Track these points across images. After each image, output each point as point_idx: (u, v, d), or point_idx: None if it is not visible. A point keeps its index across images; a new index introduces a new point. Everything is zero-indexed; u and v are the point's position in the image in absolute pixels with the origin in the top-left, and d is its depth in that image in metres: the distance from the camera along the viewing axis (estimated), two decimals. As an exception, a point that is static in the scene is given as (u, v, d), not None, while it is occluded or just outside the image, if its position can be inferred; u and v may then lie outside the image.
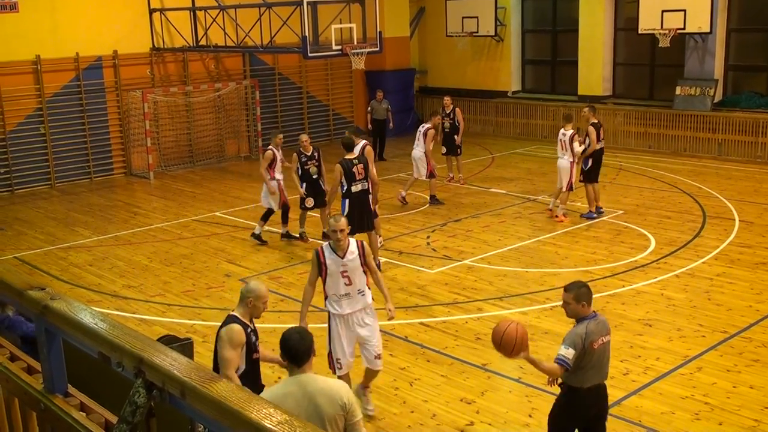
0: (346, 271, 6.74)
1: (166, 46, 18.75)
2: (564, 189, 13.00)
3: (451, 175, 16.27)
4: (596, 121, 13.05)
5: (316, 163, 12.08)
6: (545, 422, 6.84)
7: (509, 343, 5.27)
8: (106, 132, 18.23)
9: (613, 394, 7.27)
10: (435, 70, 23.94)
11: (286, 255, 12.02)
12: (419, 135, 14.47)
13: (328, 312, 6.96)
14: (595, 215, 13.12)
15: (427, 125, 14.53)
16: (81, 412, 2.42)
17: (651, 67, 19.82)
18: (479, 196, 15.15)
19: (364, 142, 11.73)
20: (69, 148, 17.75)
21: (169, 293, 10.53)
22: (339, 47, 15.54)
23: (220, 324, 5.70)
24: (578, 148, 12.90)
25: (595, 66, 20.18)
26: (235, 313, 5.65)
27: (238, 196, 15.97)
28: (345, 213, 10.79)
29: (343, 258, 6.73)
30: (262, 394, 4.55)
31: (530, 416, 7.02)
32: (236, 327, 5.50)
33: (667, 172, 16.44)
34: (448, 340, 8.69)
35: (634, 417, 6.93)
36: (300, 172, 12.01)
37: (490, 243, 12.11)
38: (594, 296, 9.58)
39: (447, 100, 16.15)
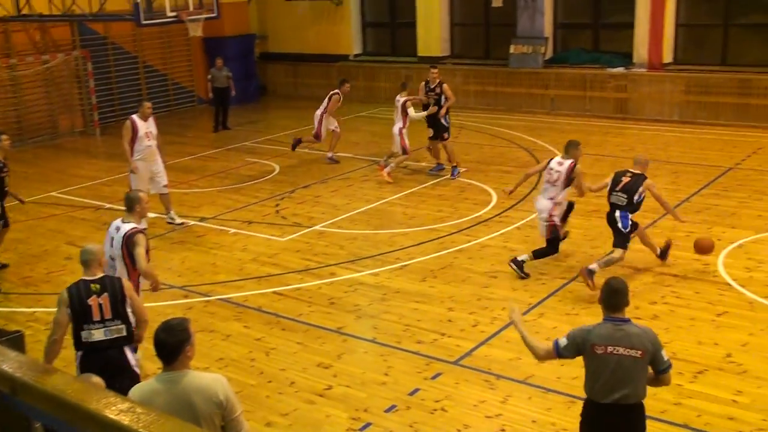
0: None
1: (-17, 17, 17.46)
2: (400, 153, 13.39)
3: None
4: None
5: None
6: (401, 379, 7.07)
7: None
8: None
9: (463, 345, 7.61)
10: (275, 35, 23.60)
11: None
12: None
13: None
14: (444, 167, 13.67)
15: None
16: None
17: (486, 26, 20.42)
18: (326, 161, 15.17)
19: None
20: None
21: (5, 281, 9.96)
22: (174, 14, 15.01)
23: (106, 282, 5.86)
24: (413, 114, 13.21)
25: (432, 27, 20.55)
26: (103, 274, 5.87)
27: (76, 174, 15.23)
28: None
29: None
30: (129, 393, 4.27)
31: (386, 374, 7.20)
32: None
33: (505, 129, 17.08)
34: (302, 307, 8.73)
35: (484, 366, 7.24)
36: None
37: (339, 207, 12.20)
38: (441, 253, 9.99)
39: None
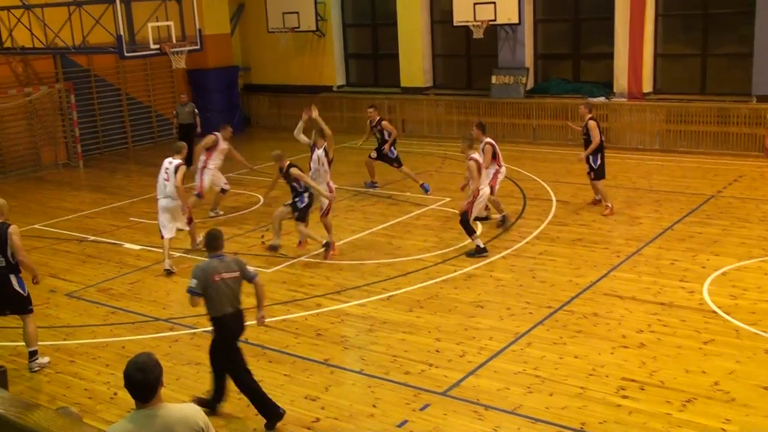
0: None
1: (-35, 50, 17.44)
2: None
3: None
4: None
5: None
6: (390, 411, 7.03)
7: None
8: None
9: (451, 375, 7.59)
10: (258, 67, 23.72)
11: (115, 265, 11.54)
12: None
13: None
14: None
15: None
16: None
17: (467, 57, 20.62)
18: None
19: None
20: None
21: (-13, 315, 9.82)
22: (157, 46, 15.05)
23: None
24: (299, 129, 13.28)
25: (415, 58, 20.72)
26: (2, 221, 8.03)
27: (59, 206, 15.14)
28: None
29: None
30: None
31: (374, 406, 7.15)
32: (15, 225, 8.10)
33: (489, 158, 17.13)
34: (288, 339, 8.67)
35: (472, 396, 7.21)
36: None
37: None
38: (427, 283, 9.99)
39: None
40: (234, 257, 7.16)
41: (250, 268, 7.02)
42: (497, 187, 12.20)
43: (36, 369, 8.25)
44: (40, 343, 8.44)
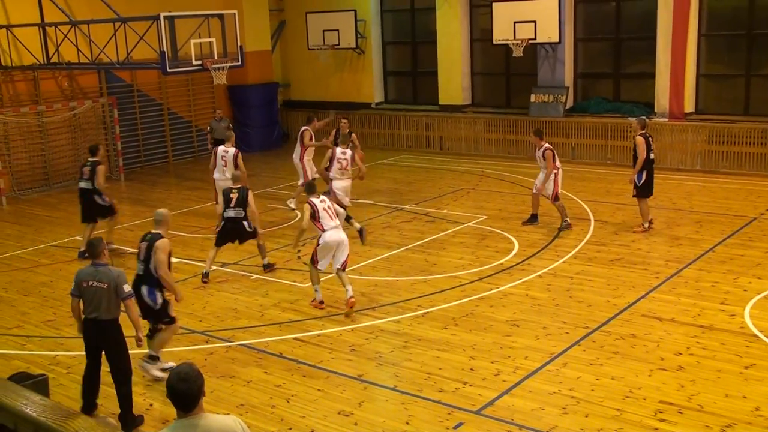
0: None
1: (14, 64, 17.84)
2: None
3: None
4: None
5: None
6: (423, 428, 6.99)
7: None
8: (-50, 157, 17.12)
9: (485, 394, 7.53)
10: (298, 84, 23.93)
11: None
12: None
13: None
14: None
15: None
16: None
17: (506, 76, 20.59)
18: (347, 208, 15.18)
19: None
20: None
21: (27, 324, 10.00)
22: (199, 62, 15.25)
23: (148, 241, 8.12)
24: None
25: (453, 76, 20.75)
26: (159, 231, 8.15)
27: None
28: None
29: None
30: None
31: (407, 423, 7.11)
32: (167, 240, 8.10)
33: (526, 177, 17.06)
34: (323, 354, 8.68)
35: (506, 416, 7.14)
36: None
37: (361, 253, 12.19)
38: (462, 301, 9.94)
39: (344, 123, 15.38)
40: (112, 270, 7.27)
41: (126, 287, 7.19)
42: (560, 190, 13.12)
43: (143, 366, 8.27)
44: (75, 353, 8.53)
